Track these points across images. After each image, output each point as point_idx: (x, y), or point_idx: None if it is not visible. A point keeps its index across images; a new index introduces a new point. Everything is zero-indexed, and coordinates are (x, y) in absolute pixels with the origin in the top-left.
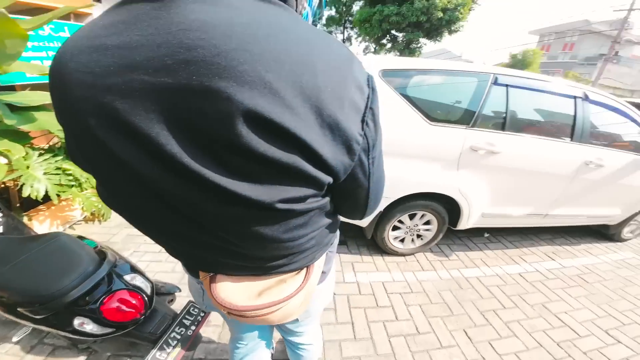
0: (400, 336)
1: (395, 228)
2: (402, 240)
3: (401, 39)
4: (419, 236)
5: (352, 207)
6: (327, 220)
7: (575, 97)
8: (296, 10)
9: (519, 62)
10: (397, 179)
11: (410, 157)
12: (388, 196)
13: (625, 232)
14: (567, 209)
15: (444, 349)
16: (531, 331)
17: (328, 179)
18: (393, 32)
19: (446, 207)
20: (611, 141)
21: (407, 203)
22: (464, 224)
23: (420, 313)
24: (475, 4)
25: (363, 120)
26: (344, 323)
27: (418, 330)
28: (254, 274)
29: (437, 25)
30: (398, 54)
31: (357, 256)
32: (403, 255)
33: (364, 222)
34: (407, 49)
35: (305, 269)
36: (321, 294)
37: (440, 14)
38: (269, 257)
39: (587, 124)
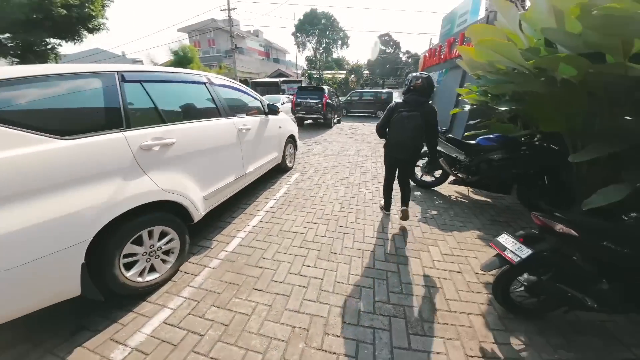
0: None
1: (129, 265)
2: (145, 271)
3: (9, 42)
4: (166, 253)
5: None
6: None
7: (205, 83)
8: None
9: (183, 59)
10: (78, 215)
11: (70, 183)
12: (82, 240)
13: (287, 163)
14: (254, 164)
15: None
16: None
17: None
18: None
19: (169, 210)
20: (246, 110)
21: (120, 231)
22: (196, 215)
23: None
24: (109, 0)
25: None
26: None
27: None
28: None
29: (66, 24)
30: (16, 61)
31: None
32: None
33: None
34: (32, 54)
35: None
36: None
37: (62, 11)
38: None
39: (223, 101)
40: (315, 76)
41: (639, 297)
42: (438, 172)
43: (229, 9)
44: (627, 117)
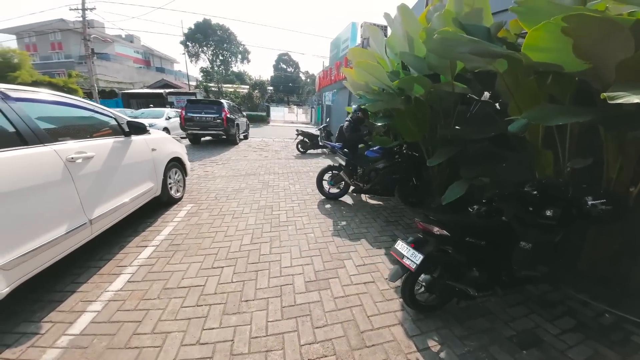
0: None
1: None
2: None
3: None
4: None
5: None
6: None
7: None
8: None
9: (1, 65)
10: None
11: None
12: None
13: (172, 194)
14: (106, 204)
15: None
16: None
17: None
18: None
19: None
20: (87, 132)
21: None
22: None
23: None
24: None
25: None
26: None
27: None
28: None
29: None
30: None
31: None
32: None
33: None
34: None
35: None
36: None
37: None
38: None
39: (33, 123)
40: (213, 89)
41: (498, 278)
42: (341, 184)
43: (84, 9)
44: (457, 127)
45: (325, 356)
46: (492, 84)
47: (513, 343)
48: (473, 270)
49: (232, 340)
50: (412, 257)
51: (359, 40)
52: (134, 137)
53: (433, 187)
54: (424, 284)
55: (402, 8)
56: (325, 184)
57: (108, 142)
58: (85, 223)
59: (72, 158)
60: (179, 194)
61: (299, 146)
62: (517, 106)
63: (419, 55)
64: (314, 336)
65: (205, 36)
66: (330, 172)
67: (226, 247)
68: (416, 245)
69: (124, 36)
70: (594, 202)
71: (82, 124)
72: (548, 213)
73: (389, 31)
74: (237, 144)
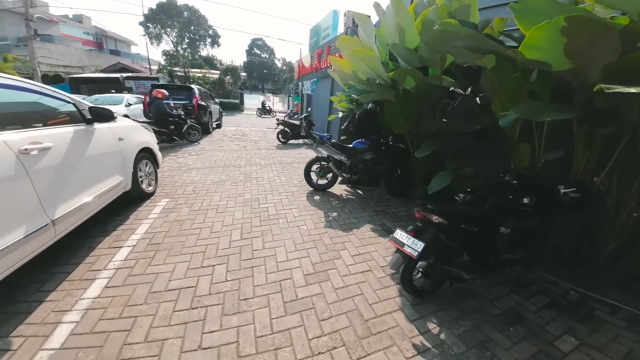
0: None
1: None
2: None
3: None
4: None
5: None
6: None
7: None
8: None
9: None
10: None
11: None
12: None
13: (144, 188)
14: (70, 201)
15: None
16: None
17: None
18: None
19: None
20: (41, 119)
21: None
22: None
23: None
24: None
25: None
26: None
27: None
28: None
29: None
30: None
31: None
32: None
33: None
34: None
35: None
36: None
37: None
38: None
39: None
40: (178, 73)
41: (486, 261)
42: (329, 175)
43: None
44: (444, 120)
45: (335, 348)
46: (477, 79)
47: (500, 321)
48: (463, 255)
49: (236, 342)
50: (413, 245)
51: (341, 29)
52: (97, 125)
53: (416, 178)
54: (420, 269)
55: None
56: (314, 175)
57: (68, 130)
58: (47, 224)
59: (26, 149)
60: (151, 188)
61: (280, 136)
62: (500, 102)
63: (410, 48)
64: (321, 329)
65: (169, 17)
66: (319, 163)
67: (214, 244)
68: (415, 234)
69: (71, 16)
70: (565, 190)
71: (34, 110)
72: (525, 201)
73: (373, 21)
74: (210, 132)
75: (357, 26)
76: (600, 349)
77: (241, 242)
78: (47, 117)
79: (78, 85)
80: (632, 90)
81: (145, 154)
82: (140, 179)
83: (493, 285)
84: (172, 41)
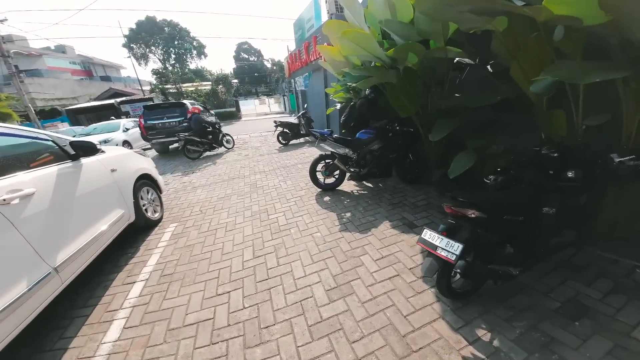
0: None
1: None
2: None
3: None
4: None
5: None
6: None
7: None
8: None
9: None
10: None
11: None
12: None
13: (150, 216)
14: (70, 245)
15: None
16: None
17: None
18: None
19: None
20: (19, 165)
21: None
22: None
23: None
24: None
25: None
26: None
27: None
28: None
29: None
30: None
31: None
32: None
33: None
34: None
35: None
36: None
37: None
38: None
39: None
40: (171, 90)
41: (532, 252)
42: (337, 173)
43: None
44: (457, 95)
45: None
46: (487, 45)
47: (561, 316)
48: (507, 247)
49: None
50: (449, 248)
51: (325, 18)
52: (85, 160)
53: (430, 162)
54: (458, 270)
55: None
56: (320, 175)
57: (51, 171)
58: (49, 273)
59: (4, 200)
60: (157, 215)
61: (280, 138)
62: (521, 67)
63: (404, 22)
64: (354, 353)
65: (151, 35)
66: (323, 162)
67: (227, 267)
68: (449, 233)
69: (53, 47)
70: (621, 159)
71: (8, 155)
72: (570, 175)
73: (360, 0)
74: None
75: (341, 10)
76: None
77: (254, 262)
78: (25, 160)
79: (76, 116)
80: None
81: (145, 180)
82: (144, 208)
83: (543, 274)
84: (159, 59)
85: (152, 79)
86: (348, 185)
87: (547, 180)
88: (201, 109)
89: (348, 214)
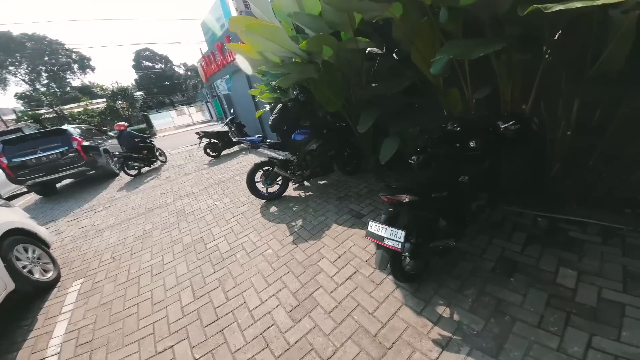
0: None
1: None
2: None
3: None
4: None
5: None
6: None
7: None
8: None
9: None
10: None
11: None
12: None
13: (39, 278)
14: None
15: None
16: None
17: None
18: None
19: None
20: None
21: None
22: None
23: None
24: None
25: None
26: None
27: None
28: None
29: None
30: None
31: None
32: None
33: None
34: None
35: None
36: None
37: None
38: None
39: None
40: (48, 116)
41: (460, 220)
42: (279, 179)
43: None
44: (373, 85)
45: None
46: (390, 34)
47: (499, 275)
48: (440, 221)
49: None
50: (393, 236)
51: (234, 13)
52: None
53: (364, 151)
54: (407, 254)
55: None
56: (260, 186)
57: None
58: None
59: None
60: (50, 275)
61: (209, 150)
62: (419, 51)
63: (313, 14)
64: None
65: (6, 53)
66: (261, 170)
67: (162, 318)
68: (390, 222)
69: None
70: (505, 125)
71: None
72: (472, 144)
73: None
74: (117, 174)
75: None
76: (598, 274)
77: (196, 304)
78: None
79: None
80: (578, 4)
81: (18, 236)
82: (26, 270)
83: (473, 238)
84: (23, 80)
85: (19, 105)
86: (294, 190)
87: (456, 152)
88: (126, 124)
89: (299, 221)
